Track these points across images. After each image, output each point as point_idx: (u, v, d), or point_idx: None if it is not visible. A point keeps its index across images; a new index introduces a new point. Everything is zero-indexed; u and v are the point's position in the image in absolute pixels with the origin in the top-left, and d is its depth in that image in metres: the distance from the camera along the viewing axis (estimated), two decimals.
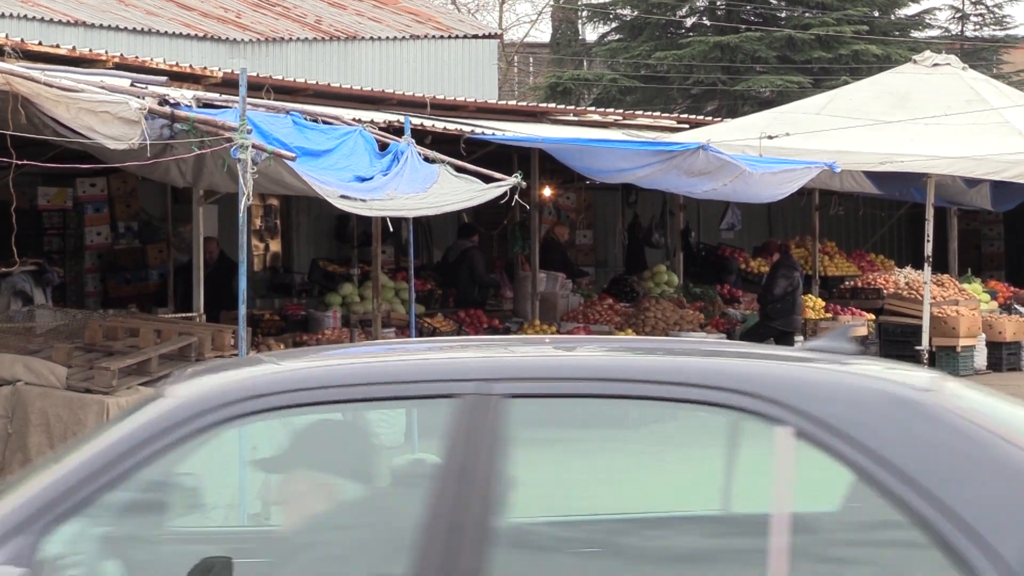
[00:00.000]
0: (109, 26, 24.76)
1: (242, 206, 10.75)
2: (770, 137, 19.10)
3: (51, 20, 24.05)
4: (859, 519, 4.24)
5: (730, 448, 4.52)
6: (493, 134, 17.38)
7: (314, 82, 18.73)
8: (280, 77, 19.07)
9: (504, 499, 4.13)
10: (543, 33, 49.92)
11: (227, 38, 26.57)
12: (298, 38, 27.89)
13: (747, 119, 22.53)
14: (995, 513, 3.93)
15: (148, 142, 10.72)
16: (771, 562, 3.99)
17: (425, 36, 30.08)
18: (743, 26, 36.93)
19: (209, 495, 4.73)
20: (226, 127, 10.96)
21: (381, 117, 15.81)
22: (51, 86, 10.59)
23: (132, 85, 11.71)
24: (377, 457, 4.69)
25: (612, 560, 4.41)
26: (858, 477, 4.02)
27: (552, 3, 47.18)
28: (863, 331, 21.73)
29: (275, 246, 22.58)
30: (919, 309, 20.82)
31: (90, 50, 15.73)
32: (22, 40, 14.32)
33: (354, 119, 14.29)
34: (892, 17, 38.91)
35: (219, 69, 16.36)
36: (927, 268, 20.00)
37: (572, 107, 25.80)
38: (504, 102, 26.14)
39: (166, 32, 25.61)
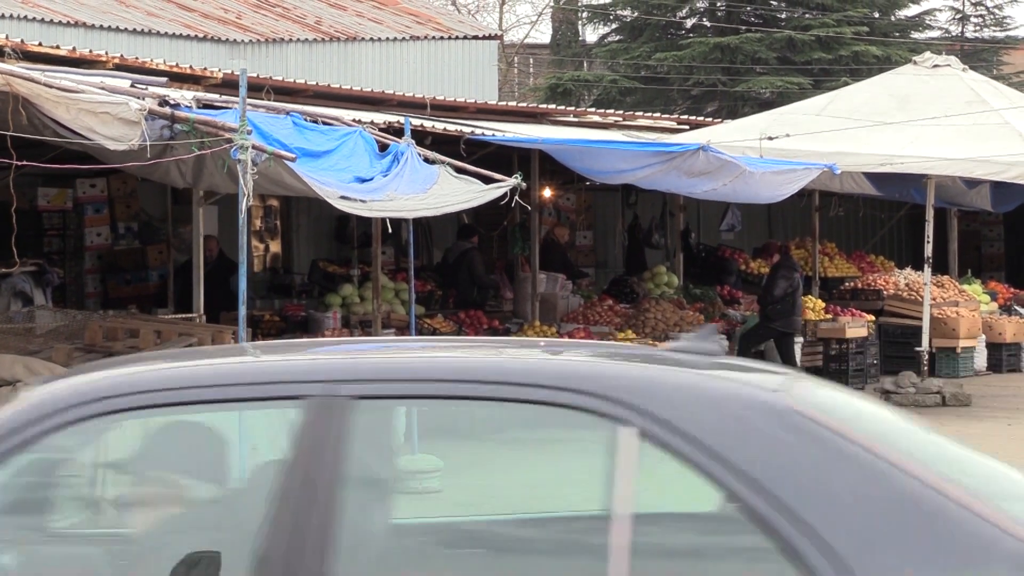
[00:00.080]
0: (109, 27, 24.76)
1: (242, 207, 10.75)
2: (770, 138, 19.10)
3: (51, 21, 24.06)
4: (703, 520, 4.23)
5: (575, 448, 4.48)
6: (493, 135, 17.38)
7: (314, 83, 18.73)
8: (280, 78, 19.08)
9: (352, 500, 4.14)
10: (543, 34, 49.97)
11: (227, 39, 26.57)
12: (298, 39, 27.89)
13: (747, 120, 22.53)
14: (836, 512, 3.91)
15: (148, 143, 10.72)
16: (612, 563, 3.97)
17: (425, 37, 30.08)
18: (743, 27, 36.94)
19: (74, 495, 4.71)
20: (226, 128, 10.96)
21: (381, 118, 15.81)
22: (51, 87, 10.60)
23: (132, 86, 11.71)
24: (230, 459, 4.65)
25: (458, 562, 4.38)
26: (700, 478, 4.00)
27: (552, 4, 47.20)
28: (863, 332, 21.73)
29: (275, 247, 22.58)
30: (919, 310, 20.82)
31: (90, 51, 15.74)
32: (22, 41, 14.33)
33: (354, 120, 14.30)
34: (892, 18, 38.92)
35: (219, 70, 16.37)
36: (927, 269, 20.01)
37: (572, 108, 25.80)
38: (504, 103, 26.14)
39: (166, 33, 25.61)
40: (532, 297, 19.84)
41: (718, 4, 37.97)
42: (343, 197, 12.33)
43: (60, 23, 24.15)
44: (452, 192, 14.01)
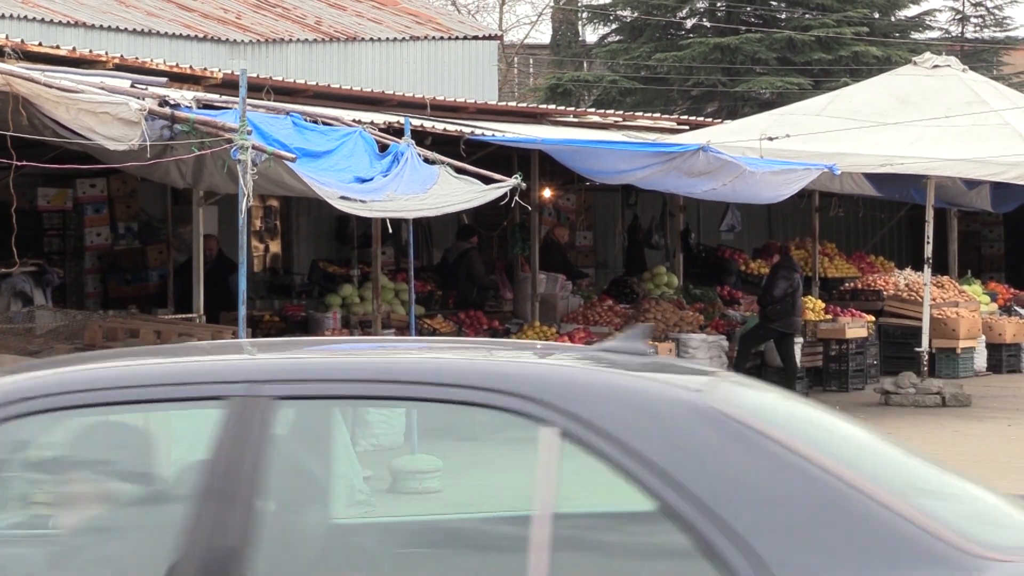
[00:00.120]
0: (109, 27, 24.76)
1: (242, 207, 10.75)
2: (770, 139, 19.09)
3: (51, 21, 24.06)
4: (623, 519, 4.23)
5: (497, 449, 4.48)
6: (493, 135, 17.38)
7: (314, 83, 18.73)
8: (280, 78, 19.08)
9: (279, 501, 4.13)
10: (543, 34, 49.95)
11: (227, 39, 26.57)
12: (298, 39, 27.89)
13: (747, 120, 22.53)
14: (756, 512, 3.91)
15: (148, 143, 10.73)
16: (532, 563, 3.96)
17: (425, 37, 30.08)
18: (743, 27, 36.94)
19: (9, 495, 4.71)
20: (226, 128, 10.97)
21: (381, 118, 15.81)
22: (51, 87, 10.60)
23: (132, 86, 11.72)
24: (156, 459, 4.64)
25: (372, 564, 4.36)
26: (622, 478, 4.01)
27: (552, 4, 47.20)
28: (863, 332, 21.73)
29: (275, 247, 22.59)
30: (919, 311, 20.82)
31: (90, 51, 15.73)
32: (22, 41, 14.33)
33: (354, 120, 14.30)
34: (892, 19, 38.91)
35: (219, 70, 16.37)
36: (927, 270, 20.01)
37: (572, 108, 25.81)
38: (504, 103, 26.14)
39: (166, 33, 25.61)
40: (532, 297, 19.84)
41: (718, 4, 37.96)
42: (343, 197, 12.33)
43: (60, 23, 24.15)
44: (452, 192, 14.01)
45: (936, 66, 21.97)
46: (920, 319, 20.29)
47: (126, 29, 24.96)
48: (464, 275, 20.74)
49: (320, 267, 21.10)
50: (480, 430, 4.37)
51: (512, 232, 21.69)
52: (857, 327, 21.62)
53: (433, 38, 30.24)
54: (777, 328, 19.99)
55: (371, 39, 29.10)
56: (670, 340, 18.93)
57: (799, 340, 20.58)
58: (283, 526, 4.25)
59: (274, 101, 13.87)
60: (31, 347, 12.70)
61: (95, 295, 20.28)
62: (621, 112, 24.35)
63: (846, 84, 27.70)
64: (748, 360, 20.33)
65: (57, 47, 14.97)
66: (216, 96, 13.99)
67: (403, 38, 29.67)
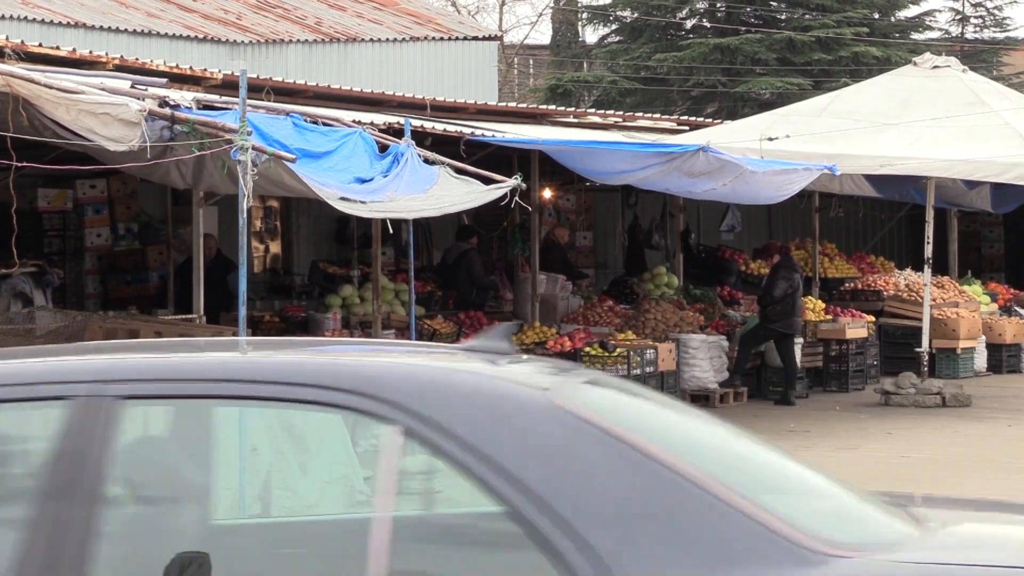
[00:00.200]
0: (109, 28, 24.76)
1: (243, 208, 10.76)
2: (770, 139, 19.09)
3: (51, 22, 24.06)
4: (466, 518, 4.24)
5: (341, 448, 4.48)
6: (493, 136, 17.37)
7: (314, 84, 18.72)
8: (280, 79, 19.07)
9: (127, 501, 4.13)
10: (543, 35, 50.00)
11: (227, 40, 26.58)
12: (298, 40, 27.89)
13: (747, 121, 22.52)
14: (598, 511, 3.93)
15: (148, 144, 10.73)
16: (371, 563, 3.97)
17: (425, 38, 30.09)
18: (743, 28, 36.93)
19: None
20: (226, 129, 10.97)
21: (381, 119, 15.81)
22: (51, 88, 10.60)
23: (132, 87, 11.71)
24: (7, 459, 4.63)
25: (219, 568, 4.32)
26: (463, 476, 4.02)
27: (552, 5, 47.20)
28: (863, 333, 21.74)
29: (275, 248, 22.59)
30: (919, 311, 20.82)
31: (90, 52, 15.73)
32: (22, 42, 14.32)
33: (354, 121, 14.30)
34: (892, 19, 38.90)
35: (219, 71, 16.36)
36: (927, 270, 20.01)
37: (572, 109, 25.80)
38: (504, 104, 26.14)
39: (166, 34, 25.61)
40: (532, 298, 19.84)
41: (718, 5, 37.96)
42: (343, 198, 12.33)
43: (60, 24, 24.15)
44: (452, 193, 14.01)
45: (936, 67, 21.97)
46: (920, 319, 20.29)
47: (126, 30, 24.97)
48: (464, 276, 20.75)
49: (320, 268, 21.11)
50: (324, 429, 4.36)
51: (512, 233, 21.69)
52: (857, 327, 21.62)
53: (433, 39, 30.25)
54: (777, 328, 19.99)
55: (371, 40, 29.10)
56: (670, 340, 18.94)
57: (799, 340, 20.58)
58: (141, 527, 4.24)
59: (274, 102, 13.87)
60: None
61: (95, 296, 20.28)
62: (621, 113, 24.34)
63: (846, 85, 27.71)
64: (748, 360, 20.34)
65: (57, 48, 14.96)
66: (216, 97, 13.99)
67: (403, 39, 29.68)
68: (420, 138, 15.12)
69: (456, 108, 20.48)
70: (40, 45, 14.72)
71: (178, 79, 15.34)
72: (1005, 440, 16.56)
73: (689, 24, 39.03)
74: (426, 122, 16.82)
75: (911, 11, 39.31)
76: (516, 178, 14.67)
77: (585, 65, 43.71)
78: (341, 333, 17.45)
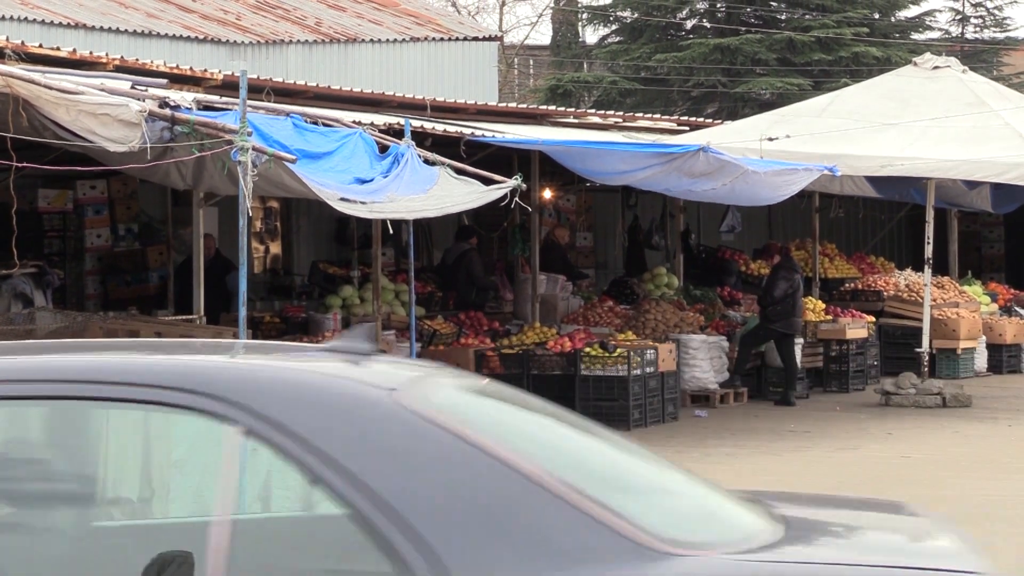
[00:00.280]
0: (109, 28, 24.76)
1: (243, 208, 10.75)
2: (770, 139, 19.08)
3: (51, 23, 24.05)
4: (309, 518, 4.23)
5: (182, 448, 4.46)
6: (493, 136, 17.37)
7: (314, 84, 18.71)
8: (280, 79, 19.07)
9: None
10: (543, 35, 49.97)
11: (227, 40, 26.57)
12: (298, 40, 27.89)
13: (747, 121, 22.52)
14: (437, 511, 3.96)
15: (148, 144, 10.73)
16: (210, 564, 3.95)
17: (425, 38, 30.08)
18: (743, 28, 36.93)
19: None
20: (226, 129, 10.97)
21: (381, 119, 15.80)
22: (51, 88, 10.60)
23: (132, 88, 11.71)
24: None
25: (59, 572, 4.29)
26: (305, 477, 4.03)
27: (552, 5, 47.20)
28: (864, 333, 21.73)
29: (275, 248, 22.59)
30: (919, 311, 20.82)
31: (90, 52, 15.72)
32: (22, 43, 14.32)
33: (354, 121, 14.29)
34: (892, 19, 38.89)
35: (219, 71, 16.35)
36: (927, 270, 20.00)
37: (572, 109, 25.80)
38: (504, 104, 26.14)
39: (166, 34, 25.60)
40: (532, 298, 19.84)
41: (718, 5, 37.96)
42: (343, 199, 12.33)
43: (60, 25, 24.15)
44: (452, 193, 14.01)
45: (936, 67, 21.97)
46: (920, 320, 20.28)
47: (126, 31, 24.96)
48: (463, 276, 20.75)
49: (320, 268, 21.11)
50: (165, 429, 4.34)
51: (512, 233, 21.69)
52: (857, 328, 21.62)
53: (433, 39, 30.24)
54: (777, 329, 19.99)
55: (371, 40, 29.10)
56: (670, 341, 18.93)
57: (799, 341, 20.58)
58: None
59: (274, 102, 13.87)
60: None
61: (95, 296, 20.27)
62: (621, 113, 24.33)
63: (846, 85, 27.70)
64: (749, 361, 20.33)
65: (57, 49, 14.95)
66: (216, 97, 13.98)
67: (403, 39, 29.67)
68: (420, 138, 15.12)
69: (456, 108, 20.47)
70: (40, 46, 14.71)
71: (178, 80, 15.33)
72: (1005, 440, 16.55)
73: (689, 24, 39.03)
74: (426, 122, 16.82)
75: (911, 11, 39.31)
76: (516, 178, 14.66)
77: (585, 65, 43.70)
78: (341, 333, 17.45)
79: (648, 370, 17.57)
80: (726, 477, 13.91)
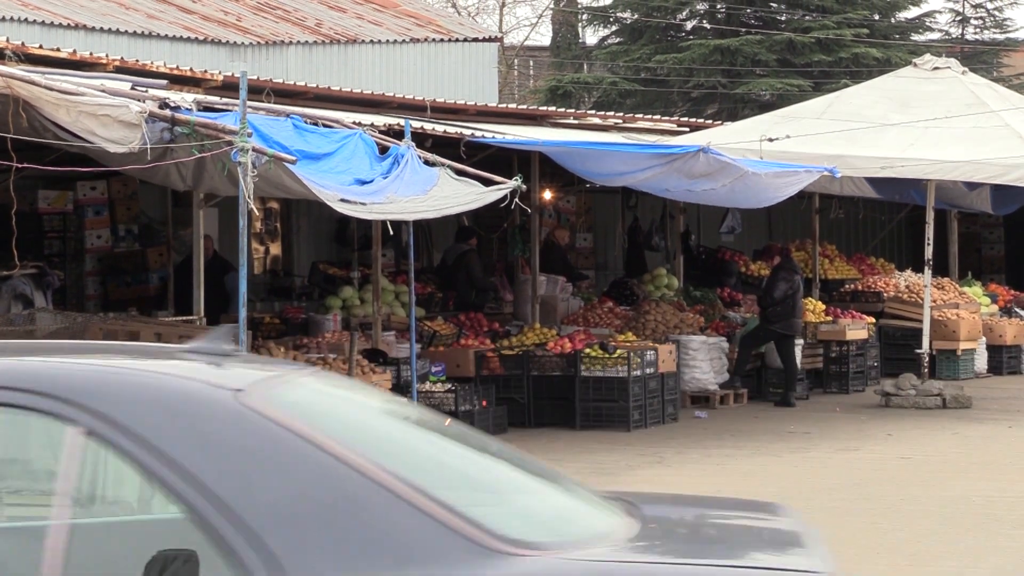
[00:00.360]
0: (110, 29, 24.76)
1: (243, 209, 10.75)
2: (770, 140, 19.08)
3: (52, 23, 24.05)
4: (151, 522, 4.23)
5: (22, 449, 4.44)
6: (493, 137, 17.37)
7: (314, 85, 18.71)
8: (280, 80, 19.08)
9: None
10: (543, 36, 49.96)
11: (227, 41, 26.57)
12: (298, 41, 27.89)
13: (747, 122, 22.52)
14: (277, 513, 3.97)
15: (148, 145, 10.73)
16: (46, 568, 3.94)
17: (425, 39, 30.08)
18: (743, 29, 36.93)
19: None
20: (226, 130, 10.97)
21: (381, 120, 15.80)
22: (52, 89, 10.60)
23: (132, 89, 11.71)
24: None
25: None
26: (146, 478, 4.03)
27: (552, 6, 47.20)
28: (864, 334, 21.73)
29: (275, 249, 22.59)
30: (919, 312, 20.82)
31: (91, 53, 15.73)
32: (23, 44, 14.32)
33: (354, 122, 14.29)
34: (892, 20, 38.89)
35: (219, 72, 16.35)
36: (927, 271, 20.00)
37: (572, 110, 25.79)
38: (504, 105, 26.15)
39: (166, 35, 25.60)
40: (532, 299, 19.84)
41: (718, 6, 37.96)
42: (343, 200, 12.32)
43: (60, 26, 24.14)
44: (452, 194, 14.00)
45: (936, 68, 21.97)
46: (920, 321, 20.28)
47: (126, 32, 24.96)
48: (463, 277, 20.75)
49: (320, 269, 21.11)
50: (10, 429, 4.32)
51: (512, 234, 21.69)
52: (857, 329, 21.62)
53: (433, 40, 30.24)
54: (777, 330, 19.99)
55: (371, 41, 29.09)
56: (670, 342, 18.93)
57: (799, 342, 20.58)
58: None
59: (274, 103, 13.87)
60: None
61: (95, 297, 20.27)
62: (621, 114, 24.33)
63: (846, 86, 27.70)
64: (748, 362, 20.33)
65: (57, 50, 14.96)
66: (216, 98, 13.99)
67: (403, 40, 29.67)
68: (420, 139, 15.12)
69: (456, 109, 20.47)
70: (40, 47, 14.71)
71: (178, 81, 15.34)
72: (1006, 441, 16.55)
73: (689, 25, 39.03)
74: (426, 123, 16.82)
75: (911, 12, 39.32)
76: (516, 179, 14.66)
77: (585, 66, 43.69)
78: (341, 334, 17.45)
79: (648, 371, 17.57)
80: (726, 478, 13.91)
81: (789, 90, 34.23)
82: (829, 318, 21.85)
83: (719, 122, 27.06)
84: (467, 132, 17.34)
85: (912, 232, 28.45)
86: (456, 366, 17.54)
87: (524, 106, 30.87)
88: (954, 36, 41.49)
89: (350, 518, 4.00)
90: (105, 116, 10.64)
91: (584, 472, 14.23)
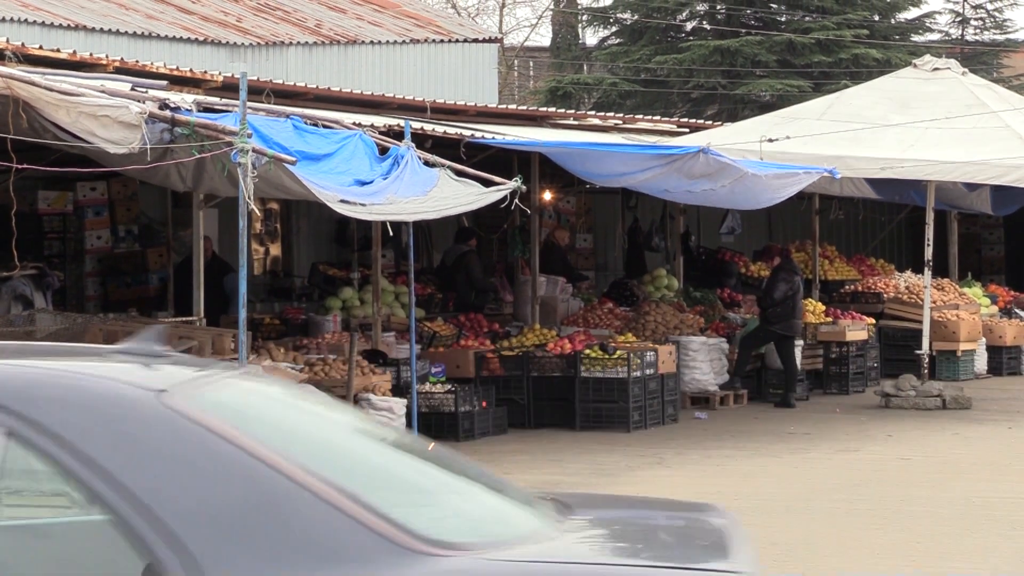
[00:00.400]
0: (109, 30, 24.75)
1: (243, 210, 10.75)
2: (770, 141, 19.08)
3: (52, 24, 24.04)
4: (72, 525, 4.22)
5: None
6: (493, 138, 17.37)
7: (314, 86, 18.71)
8: (280, 81, 19.07)
9: None
10: (543, 37, 49.93)
11: (227, 42, 26.57)
12: (298, 42, 27.89)
13: (747, 123, 22.52)
14: (196, 513, 3.98)
15: (148, 146, 10.73)
16: None
17: (425, 40, 30.08)
18: (743, 30, 36.93)
19: None
20: (226, 131, 10.97)
21: (381, 121, 15.80)
22: (52, 90, 10.60)
23: (132, 89, 11.71)
24: None
25: None
26: (64, 478, 4.03)
27: (552, 7, 47.20)
28: (864, 335, 21.73)
29: (275, 250, 22.59)
30: (919, 313, 20.82)
31: (91, 54, 15.72)
32: (23, 44, 14.32)
33: (354, 123, 14.29)
34: (892, 21, 38.91)
35: (219, 73, 16.35)
36: (927, 272, 20.00)
37: (572, 111, 25.79)
38: (504, 106, 26.15)
39: (166, 36, 25.60)
40: (532, 300, 19.84)
41: (718, 7, 37.96)
42: (343, 201, 12.32)
43: (60, 26, 24.14)
44: (452, 195, 14.00)
45: (936, 69, 21.97)
46: (920, 322, 20.28)
47: (126, 32, 24.96)
48: (462, 278, 20.75)
49: (320, 270, 21.11)
50: None
51: (512, 235, 21.68)
52: (857, 330, 21.62)
53: (433, 41, 30.24)
54: (777, 331, 19.99)
55: (371, 42, 29.09)
56: (670, 343, 18.93)
57: (799, 343, 20.58)
58: None
59: (274, 104, 13.87)
60: None
61: (95, 298, 20.28)
62: (621, 115, 24.33)
63: (846, 86, 27.70)
64: (748, 363, 20.33)
65: (57, 50, 14.95)
66: (216, 99, 13.98)
67: (403, 41, 29.67)
68: (420, 140, 15.12)
69: (456, 110, 20.47)
70: (40, 47, 14.71)
71: (178, 81, 15.33)
72: (1005, 442, 16.55)
73: (689, 26, 39.03)
74: (426, 124, 16.82)
75: (911, 13, 39.33)
76: (516, 180, 14.66)
77: (585, 67, 43.71)
78: (341, 335, 17.46)
79: (648, 372, 17.57)
80: (726, 479, 13.91)
81: (789, 91, 34.23)
82: (829, 319, 21.85)
83: (719, 123, 27.07)
84: (467, 133, 17.34)
85: (912, 233, 28.45)
86: (456, 367, 17.55)
87: (524, 107, 30.84)
88: (954, 37, 41.50)
89: (269, 519, 4.02)
90: (105, 117, 10.64)
91: (584, 473, 14.23)
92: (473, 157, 16.26)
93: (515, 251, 21.74)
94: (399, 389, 15.93)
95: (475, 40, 31.42)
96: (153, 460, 4.06)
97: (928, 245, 19.78)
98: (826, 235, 25.47)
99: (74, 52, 15.32)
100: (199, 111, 11.87)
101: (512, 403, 17.38)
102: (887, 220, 27.64)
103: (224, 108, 12.65)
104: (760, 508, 12.14)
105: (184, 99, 12.04)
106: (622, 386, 17.25)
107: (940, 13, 41.67)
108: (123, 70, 14.85)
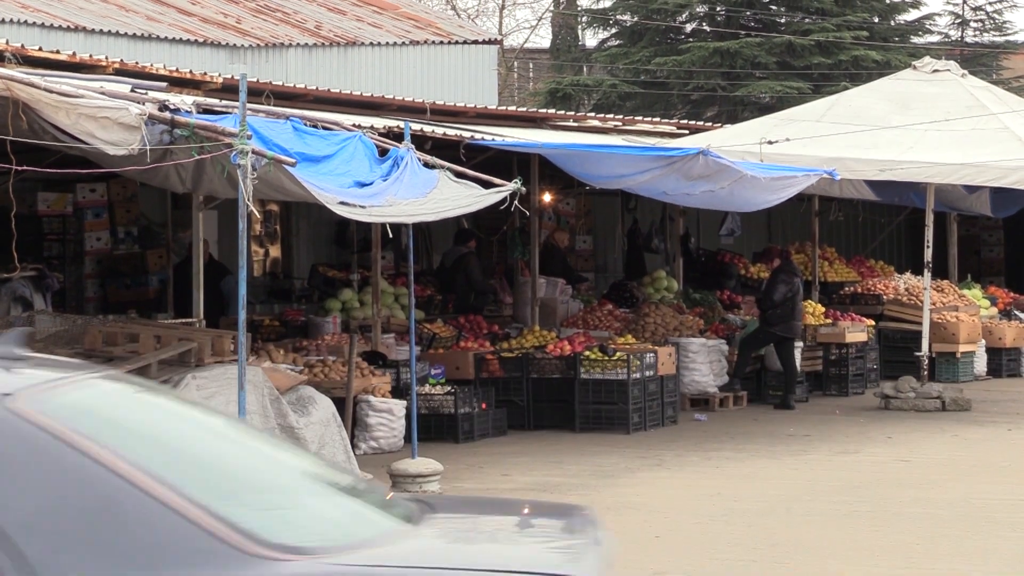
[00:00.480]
0: (109, 32, 24.76)
1: (243, 212, 10.75)
2: (770, 142, 19.08)
3: (51, 26, 24.05)
4: None
5: None
6: (493, 140, 17.36)
7: (314, 87, 18.71)
8: (280, 83, 19.07)
9: None
10: (543, 39, 49.94)
11: (227, 44, 26.57)
12: (298, 44, 27.89)
13: (747, 125, 22.52)
14: (34, 518, 3.97)
15: (148, 148, 10.72)
16: None
17: (425, 42, 30.08)
18: (743, 32, 36.93)
19: None
20: (226, 133, 10.96)
21: (381, 123, 15.80)
22: (51, 92, 10.59)
23: (132, 91, 11.70)
24: None
25: None
26: None
27: (552, 9, 47.20)
28: (863, 337, 21.72)
29: (275, 251, 22.59)
30: (919, 315, 20.82)
31: (90, 56, 15.73)
32: (22, 46, 14.32)
33: (354, 125, 14.28)
34: (892, 23, 38.91)
35: (219, 75, 16.35)
36: (927, 274, 20.01)
37: (572, 113, 25.79)
38: (504, 108, 26.14)
39: (166, 38, 25.60)
40: (532, 302, 19.84)
41: (718, 9, 37.96)
42: (343, 202, 12.31)
43: (60, 28, 24.14)
44: (452, 197, 13.99)
45: (936, 70, 21.97)
46: (920, 323, 20.28)
47: (126, 34, 24.96)
48: (462, 279, 20.75)
49: (320, 271, 21.11)
50: None
51: (512, 236, 21.68)
52: (857, 331, 21.62)
53: (433, 42, 30.24)
54: (777, 332, 19.99)
55: (371, 43, 29.09)
56: (670, 344, 18.93)
57: (799, 344, 20.58)
58: None
59: (274, 105, 13.86)
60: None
61: (95, 299, 20.28)
62: (621, 116, 24.33)
63: (846, 88, 27.70)
64: (748, 364, 20.33)
65: (57, 52, 14.96)
66: (216, 100, 13.98)
67: (403, 42, 29.67)
68: (420, 142, 15.11)
69: (456, 112, 20.47)
70: (40, 49, 14.71)
71: (178, 83, 15.34)
72: (1005, 444, 16.55)
73: (689, 28, 39.03)
74: (426, 126, 16.81)
75: (911, 15, 39.35)
76: (516, 182, 14.64)
77: (585, 69, 43.70)
78: (341, 337, 17.46)
79: (647, 374, 17.56)
80: (725, 481, 13.91)
81: (789, 92, 34.24)
82: (829, 321, 21.85)
83: (719, 124, 27.06)
84: (467, 134, 17.34)
85: (911, 235, 28.46)
86: (456, 368, 17.55)
87: (524, 108, 30.86)
88: (953, 39, 41.50)
89: (106, 522, 4.02)
90: (105, 118, 10.64)
91: (583, 475, 14.23)
92: (473, 159, 16.26)
93: (515, 253, 21.74)
94: (399, 391, 15.92)
95: (475, 42, 31.43)
96: None
97: (928, 247, 19.79)
98: (826, 237, 25.47)
99: (74, 54, 15.33)
100: (199, 113, 11.86)
101: (512, 405, 17.38)
102: (887, 222, 27.64)
103: (224, 110, 12.64)
104: (760, 510, 12.15)
105: (184, 101, 12.04)
106: (622, 388, 17.25)
107: (940, 15, 41.68)
108: (123, 71, 14.85)
